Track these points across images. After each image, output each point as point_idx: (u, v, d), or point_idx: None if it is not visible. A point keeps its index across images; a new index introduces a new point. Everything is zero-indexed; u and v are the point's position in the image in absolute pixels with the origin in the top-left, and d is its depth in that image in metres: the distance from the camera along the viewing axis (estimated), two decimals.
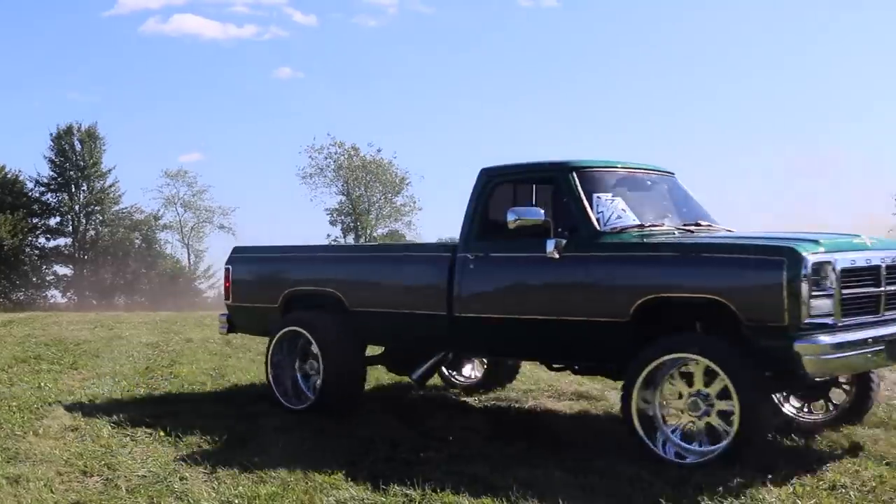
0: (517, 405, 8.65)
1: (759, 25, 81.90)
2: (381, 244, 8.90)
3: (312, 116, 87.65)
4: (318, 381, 8.25)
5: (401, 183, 61.78)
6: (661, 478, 5.93)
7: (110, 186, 60.72)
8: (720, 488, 5.64)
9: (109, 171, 60.44)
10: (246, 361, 11.91)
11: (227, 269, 9.45)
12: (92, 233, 60.57)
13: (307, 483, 5.92)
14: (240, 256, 9.58)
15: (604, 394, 9.08)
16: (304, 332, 8.37)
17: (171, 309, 36.47)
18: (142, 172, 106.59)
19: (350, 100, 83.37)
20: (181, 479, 6.07)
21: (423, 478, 5.97)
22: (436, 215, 77.54)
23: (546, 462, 6.41)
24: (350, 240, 61.42)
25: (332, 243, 10.81)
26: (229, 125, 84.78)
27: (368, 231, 61.48)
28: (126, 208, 61.95)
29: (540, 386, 9.58)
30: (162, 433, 7.43)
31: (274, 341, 8.60)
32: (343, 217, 61.96)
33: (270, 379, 8.63)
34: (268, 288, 9.08)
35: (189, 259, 63.93)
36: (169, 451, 6.87)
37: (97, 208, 60.21)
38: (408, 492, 5.71)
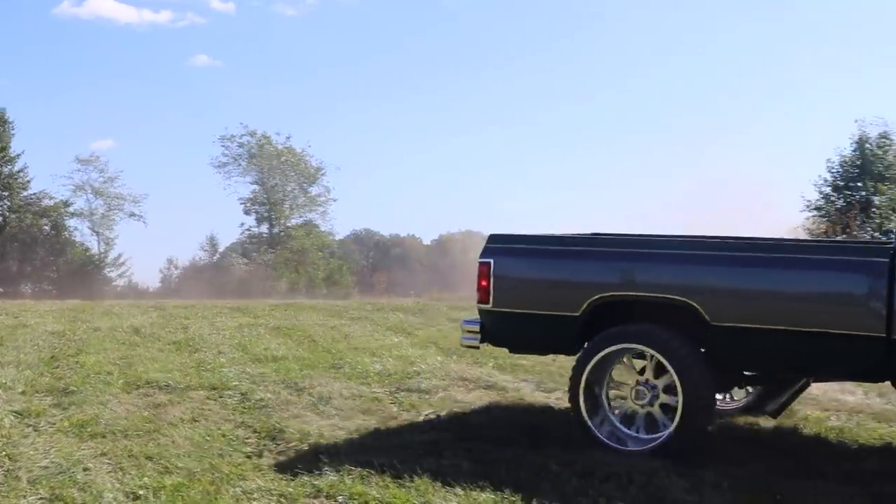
0: (427, 396, 8.65)
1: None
2: (762, 241, 6.99)
3: (229, 106, 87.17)
4: (676, 415, 6.45)
5: (316, 173, 61.51)
6: (569, 468, 6.01)
7: (19, 172, 59.26)
8: (625, 479, 5.74)
9: (18, 156, 58.98)
10: (154, 351, 11.73)
11: (485, 264, 7.32)
12: None
13: (214, 474, 5.88)
14: (508, 248, 7.49)
15: (515, 385, 9.16)
16: (653, 351, 6.59)
17: (80, 298, 35.77)
18: (52, 158, 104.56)
19: (267, 90, 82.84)
20: (84, 470, 5.98)
21: (331, 468, 5.98)
22: (351, 207, 77.63)
23: (454, 453, 6.46)
24: (264, 230, 61.01)
25: (681, 237, 8.02)
26: (143, 112, 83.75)
27: (283, 221, 61.10)
28: (35, 194, 60.57)
29: (450, 377, 9.61)
30: (66, 423, 7.30)
31: (594, 362, 6.79)
32: (257, 206, 61.46)
33: (585, 412, 6.81)
34: (562, 291, 7.20)
35: (99, 247, 62.77)
36: (73, 442, 6.75)
37: (4, 194, 58.70)
38: (315, 482, 5.70)
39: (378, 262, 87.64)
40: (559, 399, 8.54)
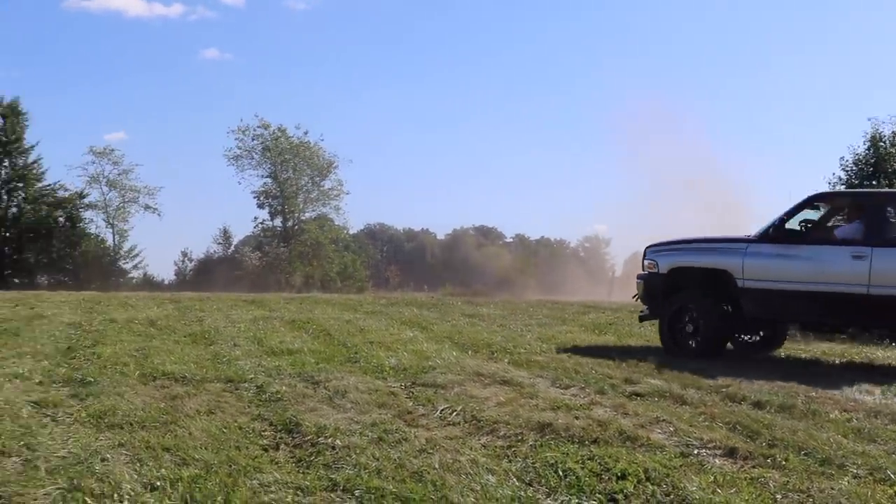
0: (442, 391, 8.64)
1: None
2: None
3: (241, 98, 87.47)
4: None
5: (328, 167, 61.60)
6: (575, 461, 5.99)
7: (33, 163, 59.33)
8: (643, 476, 5.74)
9: (32, 147, 59.07)
10: (171, 343, 11.77)
11: None
12: (14, 210, 59.21)
13: (230, 466, 5.88)
14: None
15: (531, 381, 9.15)
16: None
17: (96, 289, 35.90)
18: (65, 150, 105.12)
19: (279, 82, 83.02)
20: (102, 460, 5.98)
21: (348, 462, 5.98)
22: (365, 200, 77.90)
23: (471, 447, 6.45)
24: (278, 224, 61.10)
25: None
26: (155, 105, 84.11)
27: (297, 214, 61.19)
28: (49, 186, 60.73)
29: (466, 372, 9.61)
30: (84, 414, 7.32)
31: None
32: (270, 200, 61.55)
33: None
34: None
35: (114, 239, 62.94)
36: (90, 433, 6.77)
37: (19, 185, 58.86)
38: (332, 476, 5.70)
39: (392, 256, 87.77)
40: (574, 395, 8.53)
